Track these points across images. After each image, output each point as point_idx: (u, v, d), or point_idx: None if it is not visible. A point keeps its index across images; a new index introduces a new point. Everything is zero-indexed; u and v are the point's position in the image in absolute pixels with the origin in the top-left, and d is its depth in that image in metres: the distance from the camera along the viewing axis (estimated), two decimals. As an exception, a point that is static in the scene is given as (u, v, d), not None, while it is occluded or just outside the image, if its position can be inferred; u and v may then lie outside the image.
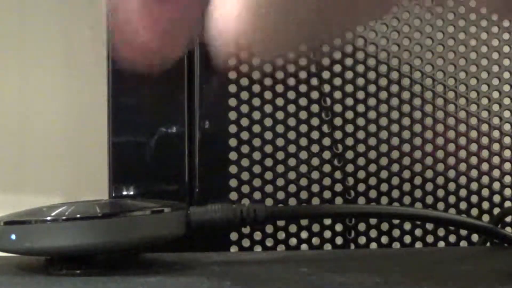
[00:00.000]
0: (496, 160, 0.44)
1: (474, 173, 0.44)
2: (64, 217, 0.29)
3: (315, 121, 0.43)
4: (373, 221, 0.44)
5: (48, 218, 0.29)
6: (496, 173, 0.45)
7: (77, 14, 0.54)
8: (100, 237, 0.29)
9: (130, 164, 0.42)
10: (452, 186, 0.44)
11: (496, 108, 0.45)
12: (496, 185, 0.45)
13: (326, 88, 0.43)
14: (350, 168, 0.44)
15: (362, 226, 0.44)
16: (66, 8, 0.54)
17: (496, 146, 0.45)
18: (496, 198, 0.45)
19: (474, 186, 0.44)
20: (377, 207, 0.42)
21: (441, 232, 0.44)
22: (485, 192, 0.45)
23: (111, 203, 0.34)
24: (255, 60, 0.43)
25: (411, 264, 0.34)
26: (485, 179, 0.44)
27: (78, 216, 0.29)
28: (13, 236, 0.29)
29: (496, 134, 0.45)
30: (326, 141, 0.43)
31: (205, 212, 0.33)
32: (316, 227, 0.43)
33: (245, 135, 0.43)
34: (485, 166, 0.44)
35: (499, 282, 0.27)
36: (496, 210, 0.45)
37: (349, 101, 0.44)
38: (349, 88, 0.44)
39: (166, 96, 0.40)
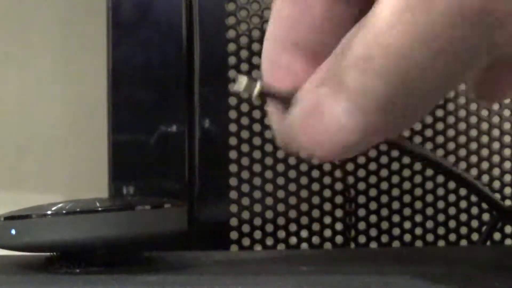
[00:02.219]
0: (496, 158, 0.44)
1: (474, 171, 0.44)
2: (65, 211, 0.29)
3: (315, 120, 0.43)
4: (373, 219, 0.44)
5: (49, 212, 0.29)
6: (496, 171, 0.44)
7: (78, 13, 0.54)
8: (101, 231, 0.29)
9: (130, 163, 0.42)
10: (451, 184, 0.44)
11: (495, 107, 0.45)
12: (496, 184, 0.45)
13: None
14: (350, 166, 0.44)
15: (362, 225, 0.44)
16: (66, 7, 0.54)
17: (496, 145, 0.44)
18: (496, 197, 0.45)
19: (474, 184, 0.44)
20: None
21: (441, 231, 0.44)
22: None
23: (111, 199, 0.34)
24: (255, 58, 0.43)
25: (411, 263, 0.34)
26: (485, 178, 0.44)
27: (79, 210, 0.29)
28: (13, 231, 0.29)
29: (496, 132, 0.45)
30: (326, 140, 0.43)
31: None
32: (316, 226, 0.43)
33: (245, 134, 0.43)
34: (485, 165, 0.44)
35: (499, 281, 0.27)
36: (496, 209, 0.45)
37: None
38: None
39: (166, 94, 0.40)
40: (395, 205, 0.44)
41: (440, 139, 0.44)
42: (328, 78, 0.24)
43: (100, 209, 0.29)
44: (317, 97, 0.24)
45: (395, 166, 0.44)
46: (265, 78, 0.27)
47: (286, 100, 0.25)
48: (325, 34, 0.27)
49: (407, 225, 0.44)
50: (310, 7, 0.27)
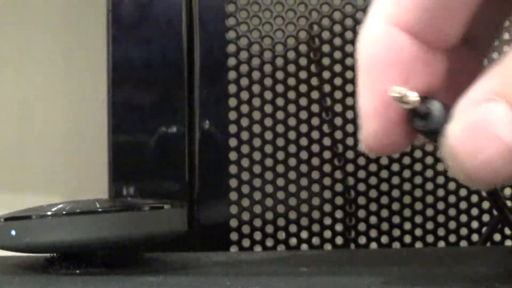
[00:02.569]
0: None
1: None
2: (64, 212, 0.29)
3: (315, 121, 0.43)
4: (373, 220, 0.44)
5: (49, 213, 0.29)
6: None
7: (78, 14, 0.54)
8: (101, 232, 0.29)
9: (130, 164, 0.42)
10: (452, 185, 0.44)
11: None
12: (496, 185, 0.44)
13: (327, 88, 0.43)
14: (350, 167, 0.44)
15: (362, 226, 0.44)
16: (66, 7, 0.54)
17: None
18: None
19: (474, 185, 0.44)
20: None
21: (441, 232, 0.44)
22: (486, 192, 0.45)
23: (111, 200, 0.34)
24: (254, 59, 0.43)
25: (411, 264, 0.34)
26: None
27: (78, 211, 0.29)
28: (13, 232, 0.29)
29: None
30: (327, 141, 0.43)
31: None
32: (316, 227, 0.43)
33: (245, 135, 0.43)
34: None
35: (499, 282, 0.27)
36: (497, 210, 0.45)
37: (350, 101, 0.44)
38: (349, 87, 0.44)
39: (166, 95, 0.40)
40: (395, 206, 0.44)
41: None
42: (502, 90, 0.21)
43: (100, 210, 0.29)
44: (485, 114, 0.21)
45: (395, 167, 0.44)
46: (364, 65, 0.24)
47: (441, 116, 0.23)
48: (459, 21, 0.23)
49: (407, 226, 0.44)
50: None
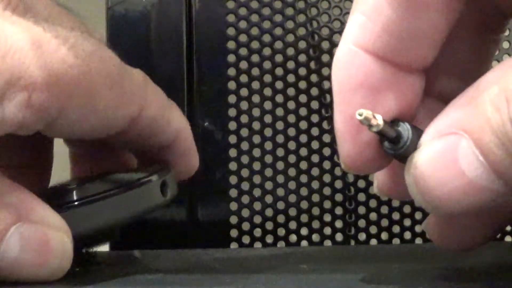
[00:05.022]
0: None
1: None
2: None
3: (315, 118, 0.43)
4: (373, 217, 0.44)
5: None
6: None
7: (77, 12, 0.54)
8: (99, 220, 0.28)
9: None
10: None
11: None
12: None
13: (326, 84, 0.43)
14: (350, 164, 0.43)
15: (362, 223, 0.43)
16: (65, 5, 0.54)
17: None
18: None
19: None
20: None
21: (441, 228, 0.44)
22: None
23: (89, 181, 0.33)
24: (254, 56, 0.43)
25: (411, 260, 0.34)
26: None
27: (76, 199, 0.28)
28: None
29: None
30: (326, 138, 0.43)
31: None
32: (316, 224, 0.43)
33: (244, 132, 0.43)
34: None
35: (500, 278, 0.27)
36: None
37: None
38: (348, 84, 0.43)
39: (166, 93, 0.40)
40: (395, 202, 0.44)
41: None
42: (466, 125, 0.21)
43: (99, 195, 0.28)
44: (451, 148, 0.21)
45: (395, 163, 0.44)
46: (336, 87, 0.24)
47: (406, 144, 0.23)
48: (431, 47, 0.24)
49: (407, 222, 0.44)
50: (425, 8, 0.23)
